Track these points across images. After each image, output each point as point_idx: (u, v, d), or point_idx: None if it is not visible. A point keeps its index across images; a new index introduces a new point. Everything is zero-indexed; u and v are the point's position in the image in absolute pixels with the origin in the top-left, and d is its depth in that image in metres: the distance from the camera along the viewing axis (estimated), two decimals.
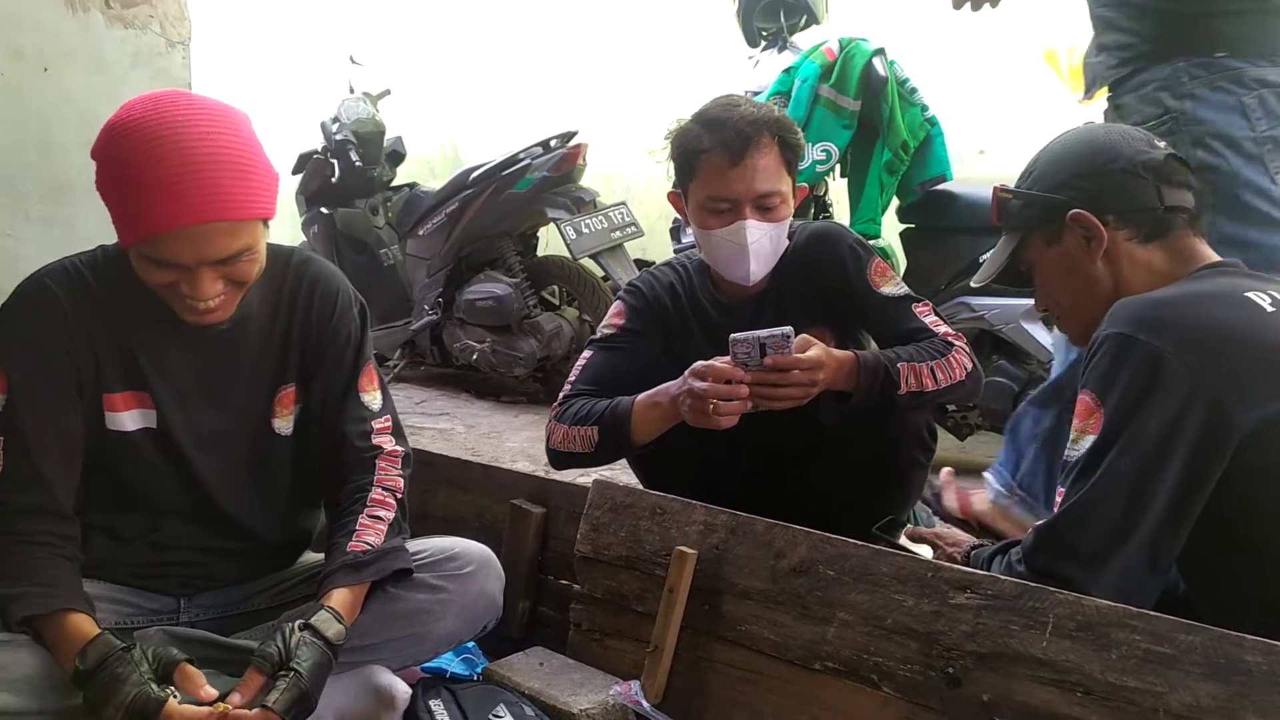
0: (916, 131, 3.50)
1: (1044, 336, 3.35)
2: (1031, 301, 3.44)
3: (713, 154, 1.97)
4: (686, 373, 1.85)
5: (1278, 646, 1.15)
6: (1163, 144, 1.54)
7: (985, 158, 4.51)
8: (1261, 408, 1.26)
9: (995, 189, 1.64)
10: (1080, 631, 1.27)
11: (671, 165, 2.08)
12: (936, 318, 2.06)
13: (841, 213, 3.90)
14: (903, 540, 1.73)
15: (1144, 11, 2.00)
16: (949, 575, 1.41)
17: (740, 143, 1.94)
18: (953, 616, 1.38)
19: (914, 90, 3.54)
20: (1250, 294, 1.35)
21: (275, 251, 1.65)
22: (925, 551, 1.64)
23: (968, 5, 2.16)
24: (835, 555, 1.52)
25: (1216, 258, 1.51)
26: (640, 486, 2.07)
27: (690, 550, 1.63)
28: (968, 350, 1.99)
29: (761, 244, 1.99)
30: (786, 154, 2.00)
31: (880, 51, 3.50)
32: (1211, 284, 1.42)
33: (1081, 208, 1.50)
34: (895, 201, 3.73)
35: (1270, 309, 1.34)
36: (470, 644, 1.81)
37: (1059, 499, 1.37)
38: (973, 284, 1.75)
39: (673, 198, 2.12)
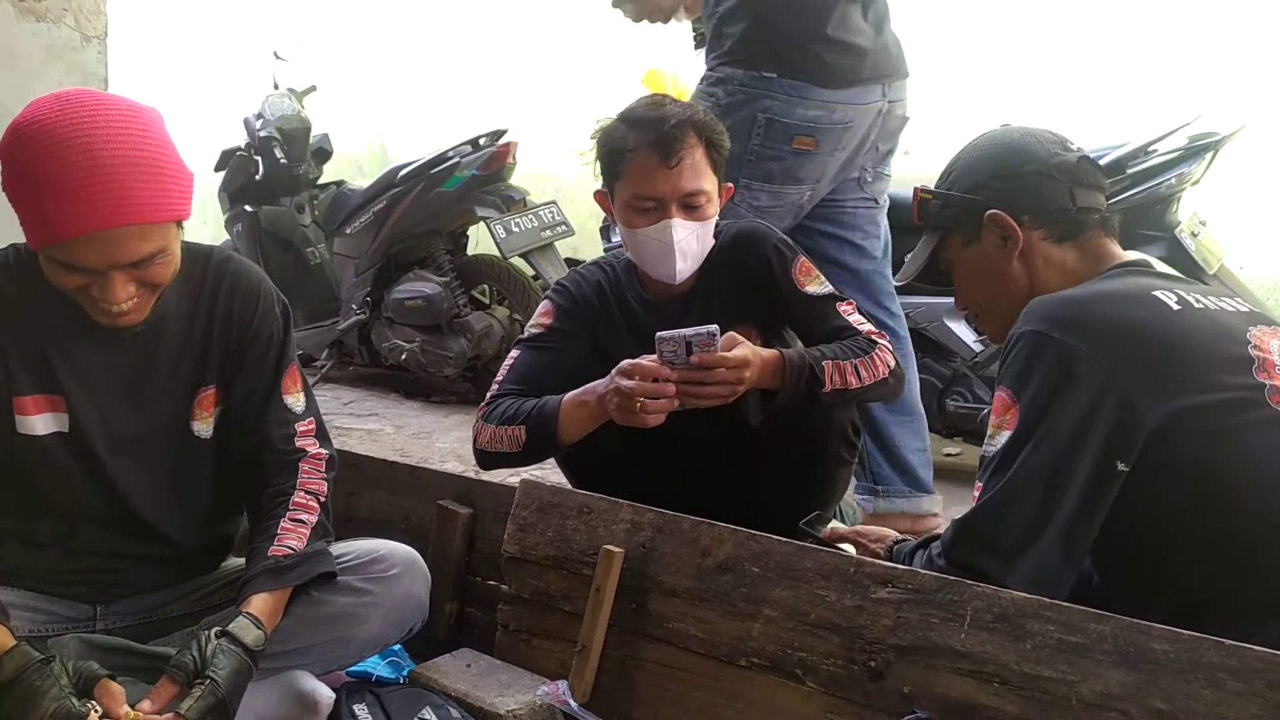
0: None
1: (967, 334, 3.42)
2: None
3: (638, 153, 1.97)
4: (614, 371, 1.86)
5: (1184, 635, 1.19)
6: (1075, 146, 1.58)
7: (910, 159, 4.57)
8: (1167, 404, 1.30)
9: (915, 189, 1.66)
10: (997, 623, 1.30)
11: (597, 165, 2.09)
12: (860, 316, 2.10)
13: None
14: (830, 533, 1.75)
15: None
16: (871, 570, 1.43)
17: (666, 142, 1.95)
18: (875, 611, 1.40)
19: None
20: (1157, 293, 1.39)
21: (194, 251, 1.61)
22: (849, 550, 1.67)
23: (628, 12, 2.41)
24: (760, 552, 1.53)
25: (1128, 257, 1.55)
26: (569, 486, 2.07)
27: (617, 549, 1.64)
28: (890, 349, 2.03)
29: (688, 243, 2.00)
30: (712, 153, 2.01)
31: None
32: (1122, 283, 1.46)
33: (998, 209, 1.53)
34: None
35: (1176, 306, 1.38)
36: (396, 647, 1.79)
37: (976, 493, 1.40)
38: (894, 282, 1.80)
39: (599, 197, 2.13)
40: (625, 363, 1.84)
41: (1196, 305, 1.39)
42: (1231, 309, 1.43)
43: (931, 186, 1.65)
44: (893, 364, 2.00)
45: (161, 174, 1.38)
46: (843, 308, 2.08)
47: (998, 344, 1.63)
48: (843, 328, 2.05)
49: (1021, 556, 1.34)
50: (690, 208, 1.99)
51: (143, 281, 1.43)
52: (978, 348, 3.37)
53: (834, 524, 1.74)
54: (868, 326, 2.07)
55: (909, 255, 3.69)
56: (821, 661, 1.43)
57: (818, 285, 2.10)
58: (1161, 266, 1.58)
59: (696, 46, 4.01)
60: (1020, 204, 1.53)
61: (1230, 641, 1.15)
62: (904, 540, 1.61)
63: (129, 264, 1.39)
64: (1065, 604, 1.26)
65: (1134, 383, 1.31)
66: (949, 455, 4.10)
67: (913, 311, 3.51)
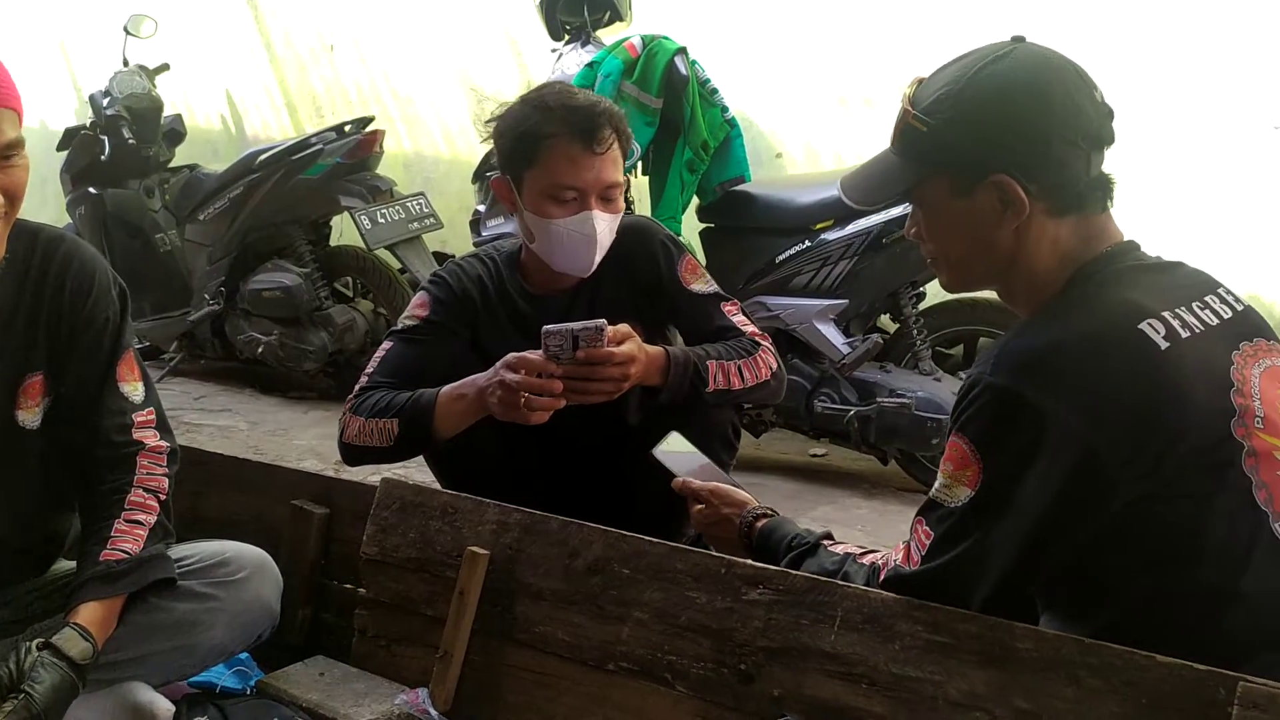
0: (716, 132, 3.55)
1: (836, 336, 3.47)
2: (825, 302, 3.58)
3: (560, 140, 1.91)
4: (498, 364, 1.80)
5: (1047, 634, 1.20)
6: (1100, 95, 1.34)
7: (783, 160, 4.63)
8: (1143, 477, 1.19)
9: (905, 110, 1.36)
10: (867, 624, 1.30)
11: (496, 151, 2.02)
12: (744, 317, 2.10)
13: (643, 210, 3.91)
14: (682, 485, 1.69)
15: None
16: (742, 571, 1.41)
17: (590, 131, 1.90)
18: (745, 612, 1.38)
19: (715, 91, 3.59)
20: (1144, 326, 1.22)
21: (21, 228, 1.49)
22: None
23: None
24: (631, 553, 1.50)
25: (1121, 236, 1.37)
26: (434, 485, 2.00)
27: (483, 551, 1.58)
28: (773, 351, 2.04)
29: (605, 235, 1.96)
30: (623, 145, 1.98)
31: (682, 50, 3.53)
32: (1106, 315, 1.27)
33: (1008, 175, 1.29)
34: (695, 200, 3.77)
35: (1164, 344, 1.21)
36: (244, 655, 1.70)
37: (918, 533, 1.31)
38: (848, 192, 1.48)
39: (499, 184, 2.05)
40: (511, 356, 1.78)
41: (1184, 335, 1.23)
42: (1212, 321, 1.29)
43: (922, 107, 1.34)
44: (775, 366, 2.01)
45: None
46: (727, 308, 2.08)
47: (951, 292, 1.51)
48: (727, 328, 2.05)
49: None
50: (608, 200, 1.95)
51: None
52: (846, 350, 3.41)
53: (688, 479, 1.69)
54: (751, 328, 2.07)
55: (783, 255, 3.71)
56: (691, 665, 1.41)
57: (703, 284, 2.10)
58: (1149, 253, 1.41)
59: (554, 35, 3.98)
60: (1033, 172, 1.29)
61: (1089, 640, 1.17)
62: (765, 515, 1.56)
63: None
64: (933, 604, 1.26)
65: (1111, 454, 1.19)
66: (815, 456, 4.16)
67: (782, 313, 3.55)
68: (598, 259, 1.98)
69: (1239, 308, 1.33)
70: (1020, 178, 1.28)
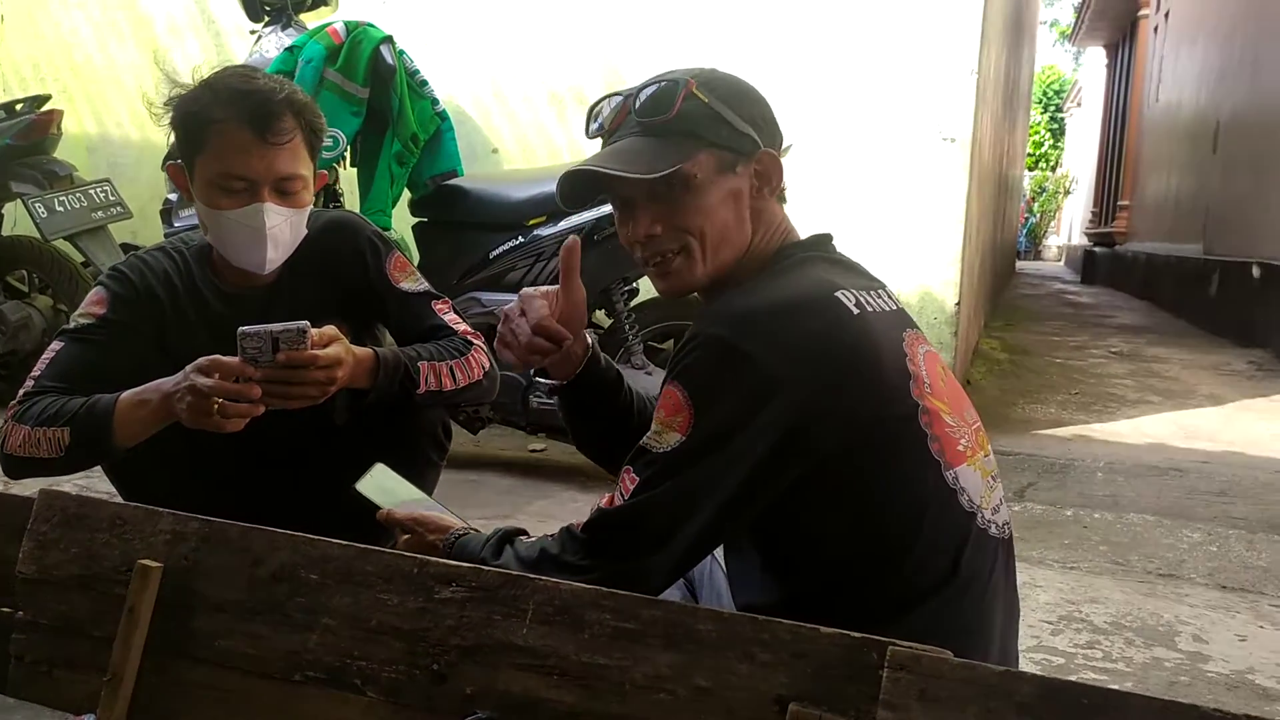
0: (427, 124, 3.50)
1: None
2: None
3: (228, 126, 1.80)
4: (189, 367, 1.68)
5: (725, 614, 1.25)
6: None
7: (499, 156, 4.62)
8: (842, 426, 1.30)
9: (689, 82, 1.42)
10: (558, 615, 1.30)
11: (173, 134, 1.88)
12: (455, 315, 2.07)
13: (352, 203, 3.80)
14: (386, 516, 1.65)
15: None
16: (435, 570, 1.38)
17: (264, 118, 1.80)
18: (438, 612, 1.36)
19: (424, 83, 3.53)
20: (839, 294, 1.36)
21: None
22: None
23: None
24: (319, 558, 1.43)
25: (797, 236, 1.52)
26: (110, 497, 1.84)
27: (155, 564, 1.46)
28: (485, 350, 2.01)
29: (281, 230, 1.86)
30: (310, 137, 1.88)
31: (388, 39, 3.45)
32: (809, 281, 1.39)
33: (770, 150, 1.45)
34: (407, 194, 3.70)
35: (855, 310, 1.35)
36: None
37: (625, 477, 1.36)
38: (614, 167, 1.42)
39: (173, 170, 1.92)
40: (203, 359, 1.67)
41: (869, 310, 1.38)
42: (887, 308, 1.43)
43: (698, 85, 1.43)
44: (488, 365, 1.98)
45: None
46: (438, 306, 2.04)
47: (670, 295, 1.53)
48: (438, 327, 2.01)
49: (648, 557, 1.35)
50: (285, 193, 1.85)
51: None
52: None
53: (391, 510, 1.65)
54: (463, 326, 2.04)
55: (496, 251, 3.70)
56: (383, 669, 1.36)
57: (413, 282, 2.05)
58: (842, 249, 1.56)
59: (252, 17, 3.78)
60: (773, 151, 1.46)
61: (763, 617, 1.23)
62: (466, 533, 1.56)
63: None
64: (620, 592, 1.29)
65: (816, 404, 1.29)
66: (534, 451, 4.19)
67: (497, 309, 3.54)
68: (273, 255, 1.88)
69: (898, 305, 1.50)
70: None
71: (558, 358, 1.60)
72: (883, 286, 1.49)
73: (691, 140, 1.41)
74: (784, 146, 1.54)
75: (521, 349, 1.57)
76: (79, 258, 4.10)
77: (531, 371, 1.67)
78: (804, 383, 1.28)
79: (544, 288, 1.61)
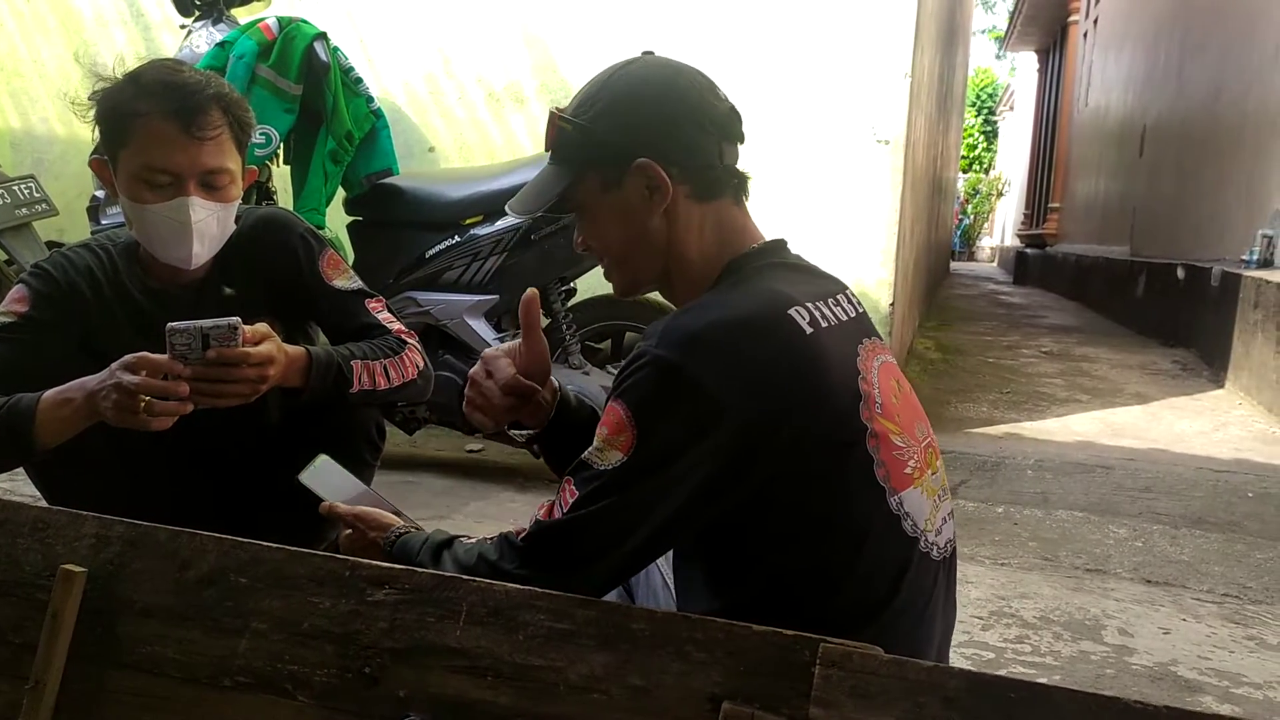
0: (361, 122, 3.46)
1: (487, 331, 3.48)
2: (476, 298, 3.58)
3: (152, 119, 1.78)
4: (114, 365, 1.65)
5: (659, 613, 1.26)
6: (723, 94, 1.48)
7: (436, 155, 4.58)
8: (783, 452, 1.29)
9: (553, 112, 1.46)
10: (491, 617, 1.30)
11: (97, 129, 1.85)
12: (389, 314, 2.06)
13: (285, 201, 3.74)
14: (328, 509, 1.63)
15: None
16: (367, 572, 1.37)
17: (188, 111, 1.78)
18: (370, 614, 1.35)
19: (359, 80, 3.49)
20: (792, 311, 1.34)
21: None
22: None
23: None
24: (248, 561, 1.41)
25: (763, 237, 1.49)
26: (36, 501, 1.80)
27: (79, 569, 1.43)
28: (420, 349, 2.01)
29: (207, 224, 1.83)
30: (236, 131, 1.86)
31: (322, 36, 3.40)
32: (758, 301, 1.36)
33: (648, 156, 1.40)
34: (342, 193, 3.66)
35: (808, 329, 1.33)
36: None
37: (564, 490, 1.35)
38: (512, 211, 1.51)
39: (97, 164, 1.88)
40: (129, 356, 1.64)
41: (824, 325, 1.36)
42: (844, 316, 1.42)
43: (568, 113, 1.45)
44: (422, 364, 1.98)
45: None
46: (372, 305, 2.03)
47: (622, 297, 1.55)
48: (372, 325, 2.00)
49: (585, 569, 1.34)
50: (212, 187, 1.83)
51: None
52: (496, 345, 3.44)
53: (334, 504, 1.63)
54: (397, 325, 2.03)
55: (437, 248, 3.68)
56: (314, 673, 1.35)
57: (346, 280, 2.03)
58: (794, 251, 1.54)
59: (182, 11, 3.71)
60: (671, 155, 1.41)
61: (696, 615, 1.24)
62: (408, 531, 1.55)
63: None
64: (554, 593, 1.29)
65: (759, 428, 1.28)
66: (471, 452, 4.16)
67: (433, 308, 3.52)
68: (199, 249, 1.86)
69: (860, 309, 1.49)
70: (660, 160, 1.40)
71: (529, 409, 1.61)
72: (842, 291, 1.48)
73: (571, 166, 1.45)
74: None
75: (494, 410, 1.58)
76: (2, 256, 3.99)
77: (506, 427, 1.67)
78: (750, 410, 1.27)
79: (506, 345, 1.63)
